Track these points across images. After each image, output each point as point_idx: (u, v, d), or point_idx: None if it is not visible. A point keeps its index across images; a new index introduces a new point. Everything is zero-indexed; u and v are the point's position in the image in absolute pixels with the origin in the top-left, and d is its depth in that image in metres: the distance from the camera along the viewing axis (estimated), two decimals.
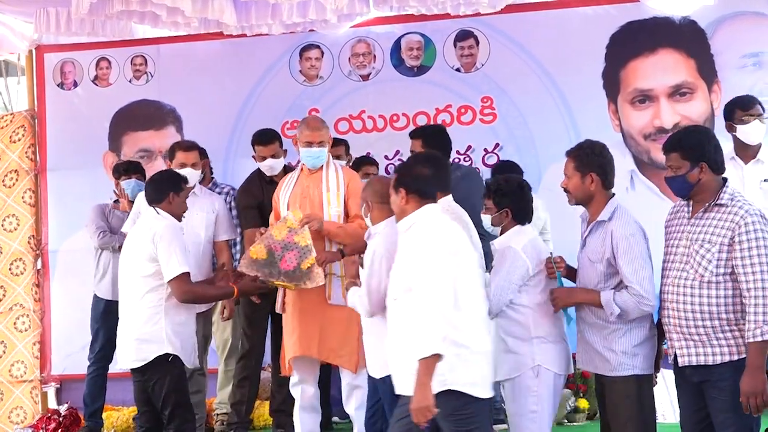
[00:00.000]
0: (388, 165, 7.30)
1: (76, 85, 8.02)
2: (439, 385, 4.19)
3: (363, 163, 6.97)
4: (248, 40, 7.60)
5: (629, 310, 4.52)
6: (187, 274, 5.32)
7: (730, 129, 5.98)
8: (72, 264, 7.74)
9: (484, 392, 4.34)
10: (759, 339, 4.17)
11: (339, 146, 6.91)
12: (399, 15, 7.44)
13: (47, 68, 8.01)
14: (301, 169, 5.88)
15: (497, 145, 7.38)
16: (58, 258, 7.85)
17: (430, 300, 4.19)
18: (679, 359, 4.41)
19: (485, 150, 7.39)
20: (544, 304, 4.79)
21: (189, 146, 6.45)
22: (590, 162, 4.69)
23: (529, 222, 4.97)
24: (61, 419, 7.21)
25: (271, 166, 6.45)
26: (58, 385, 7.86)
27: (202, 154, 6.88)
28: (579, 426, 6.78)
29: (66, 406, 7.35)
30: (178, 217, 5.53)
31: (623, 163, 6.94)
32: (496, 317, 4.79)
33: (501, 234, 4.93)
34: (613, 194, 4.73)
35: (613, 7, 7.29)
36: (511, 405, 4.80)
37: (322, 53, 7.69)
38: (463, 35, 7.49)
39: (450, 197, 5.04)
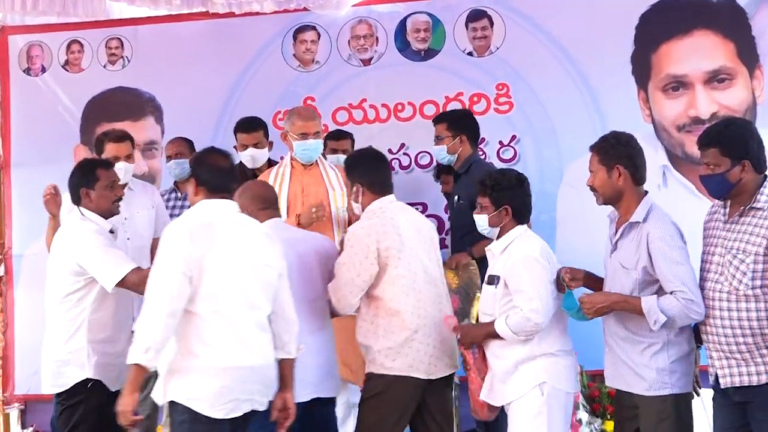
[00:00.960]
0: (392, 160, 7.14)
1: (44, 70, 7.92)
2: (162, 395, 4.30)
3: None
4: (236, 21, 7.51)
5: (676, 316, 4.39)
6: (137, 268, 4.97)
7: None
8: (39, 270, 7.14)
9: (213, 411, 4.23)
10: None
11: (344, 140, 6.83)
12: None
13: (12, 52, 7.91)
14: (292, 165, 5.92)
15: (514, 137, 7.26)
16: (24, 263, 7.75)
17: (146, 306, 4.26)
18: (721, 380, 4.36)
19: (500, 143, 7.25)
20: (551, 316, 4.76)
21: (120, 136, 6.22)
22: (616, 153, 4.65)
23: (528, 222, 4.98)
24: None
25: (252, 156, 6.37)
26: (23, 407, 7.72)
27: (191, 148, 6.86)
28: None
29: (31, 429, 7.42)
30: (108, 211, 5.20)
31: (655, 158, 6.84)
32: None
33: (499, 236, 4.91)
34: (646, 192, 4.68)
35: None
36: (516, 429, 4.76)
37: (319, 35, 7.59)
38: (476, 15, 7.35)
39: (386, 198, 5.04)
